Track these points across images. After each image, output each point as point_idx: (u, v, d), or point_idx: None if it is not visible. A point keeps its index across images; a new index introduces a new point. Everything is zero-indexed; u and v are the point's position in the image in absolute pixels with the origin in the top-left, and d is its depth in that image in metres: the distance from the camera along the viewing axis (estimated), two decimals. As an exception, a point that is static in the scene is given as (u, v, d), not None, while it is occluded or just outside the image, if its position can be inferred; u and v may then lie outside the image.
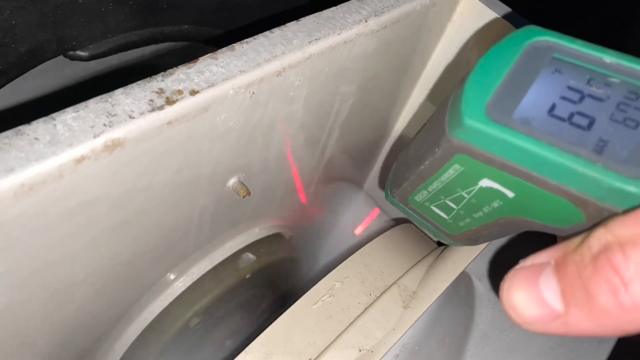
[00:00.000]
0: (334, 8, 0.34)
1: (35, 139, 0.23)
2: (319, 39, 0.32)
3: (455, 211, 0.24)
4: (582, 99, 0.20)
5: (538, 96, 0.21)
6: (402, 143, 0.53)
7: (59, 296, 0.30)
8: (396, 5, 0.36)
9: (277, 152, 0.37)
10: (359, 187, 0.55)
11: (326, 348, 0.31)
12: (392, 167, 0.30)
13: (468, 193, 0.23)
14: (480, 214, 0.23)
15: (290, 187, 0.44)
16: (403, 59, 0.42)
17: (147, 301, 0.39)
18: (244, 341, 0.45)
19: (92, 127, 0.24)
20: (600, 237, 0.17)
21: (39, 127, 0.23)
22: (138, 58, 0.50)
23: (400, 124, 0.52)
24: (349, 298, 0.33)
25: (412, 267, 0.36)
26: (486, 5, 0.41)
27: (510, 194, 0.21)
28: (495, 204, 0.22)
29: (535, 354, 0.37)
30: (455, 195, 0.23)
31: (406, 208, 0.28)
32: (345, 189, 0.53)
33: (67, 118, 0.24)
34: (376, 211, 0.52)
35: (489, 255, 0.42)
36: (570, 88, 0.21)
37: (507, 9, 0.42)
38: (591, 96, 0.20)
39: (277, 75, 0.30)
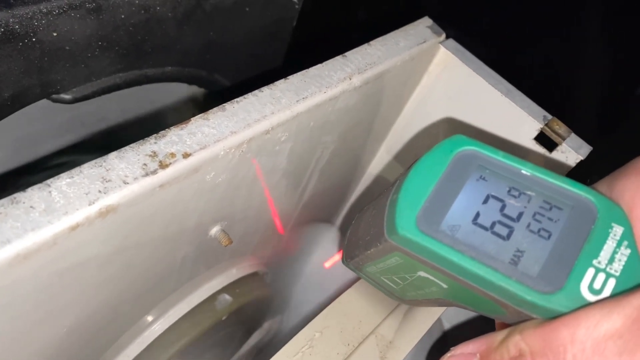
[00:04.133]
0: (320, 65, 0.35)
1: (31, 207, 0.23)
2: (306, 97, 0.33)
3: (401, 285, 0.26)
4: (503, 207, 0.22)
5: (464, 205, 0.23)
6: (374, 183, 0.54)
7: (41, 350, 0.30)
8: (378, 62, 0.37)
9: (259, 199, 0.38)
10: (332, 224, 0.57)
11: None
12: (349, 231, 0.32)
13: (410, 276, 0.25)
14: (422, 292, 0.25)
15: (268, 230, 0.44)
16: (381, 108, 0.43)
17: (124, 344, 0.39)
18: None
19: (86, 194, 0.24)
20: (516, 343, 0.20)
21: (34, 195, 0.23)
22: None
23: (373, 165, 0.53)
24: (328, 349, 0.34)
25: (388, 314, 0.37)
26: (460, 59, 0.43)
27: (444, 285, 0.23)
28: (434, 289, 0.24)
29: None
30: (400, 275, 0.25)
31: (361, 273, 0.30)
32: (320, 227, 0.54)
33: (62, 184, 0.24)
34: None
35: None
36: (493, 197, 0.23)
37: (477, 62, 0.43)
38: (511, 206, 0.22)
39: (266, 134, 0.31)
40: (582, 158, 0.39)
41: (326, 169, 0.44)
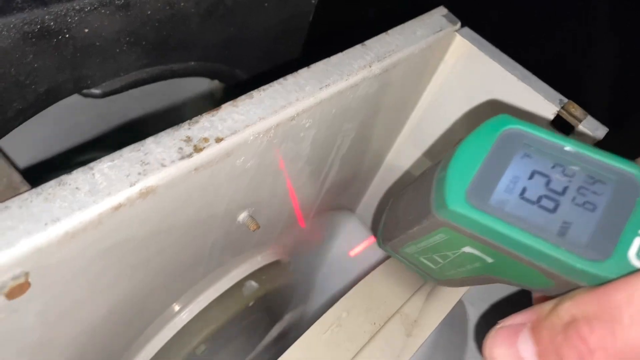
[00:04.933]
0: (340, 54, 0.36)
1: (77, 188, 0.24)
2: (329, 85, 0.34)
3: (441, 264, 0.27)
4: (548, 183, 0.23)
5: (511, 181, 0.23)
6: (392, 171, 0.55)
7: (83, 332, 0.31)
8: (397, 50, 0.38)
9: (283, 186, 0.39)
10: (352, 212, 0.58)
11: (335, 375, 0.33)
12: (383, 210, 0.33)
13: (453, 254, 0.25)
14: (463, 269, 0.26)
15: (291, 217, 0.46)
16: (399, 97, 0.44)
17: (156, 329, 0.40)
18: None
19: (127, 176, 0.25)
20: (568, 309, 0.20)
21: (79, 177, 0.24)
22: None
23: (391, 153, 0.54)
24: (356, 327, 0.35)
25: (412, 295, 0.38)
26: (476, 46, 0.44)
27: (489, 260, 0.24)
28: (477, 264, 0.25)
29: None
30: (442, 253, 0.26)
31: (397, 255, 0.30)
32: (340, 214, 0.55)
33: (104, 167, 0.25)
34: (371, 239, 0.54)
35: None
36: (538, 173, 0.24)
37: (493, 49, 0.44)
38: (556, 180, 0.23)
39: (291, 120, 0.32)
40: (599, 139, 0.40)
41: (347, 157, 0.45)
